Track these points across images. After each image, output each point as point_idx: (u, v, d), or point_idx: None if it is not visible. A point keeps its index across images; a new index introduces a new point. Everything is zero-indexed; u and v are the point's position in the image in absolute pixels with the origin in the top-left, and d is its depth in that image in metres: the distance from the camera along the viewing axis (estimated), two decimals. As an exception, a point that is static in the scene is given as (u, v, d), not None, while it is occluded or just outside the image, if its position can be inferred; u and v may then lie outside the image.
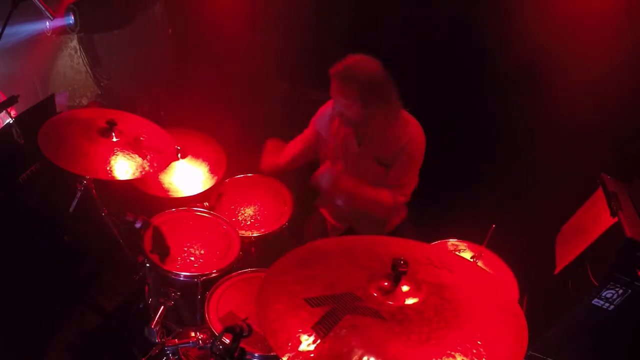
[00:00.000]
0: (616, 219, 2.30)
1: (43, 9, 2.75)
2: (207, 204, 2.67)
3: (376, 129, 2.45)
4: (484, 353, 1.22)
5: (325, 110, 2.71)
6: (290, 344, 1.24)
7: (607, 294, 2.28)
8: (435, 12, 3.15)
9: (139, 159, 2.34)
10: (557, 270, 2.61)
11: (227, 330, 1.51)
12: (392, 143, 2.47)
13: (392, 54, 2.40)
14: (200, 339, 2.16)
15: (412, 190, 2.54)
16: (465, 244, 2.47)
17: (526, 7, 2.89)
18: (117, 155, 2.33)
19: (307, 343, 1.23)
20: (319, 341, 1.23)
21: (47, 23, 3.81)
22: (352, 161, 2.59)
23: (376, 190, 2.47)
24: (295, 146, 2.77)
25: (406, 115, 2.50)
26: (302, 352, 1.22)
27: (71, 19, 3.73)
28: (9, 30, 2.57)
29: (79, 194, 2.49)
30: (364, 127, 2.47)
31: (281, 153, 2.74)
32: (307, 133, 2.80)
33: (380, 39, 2.40)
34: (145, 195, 2.66)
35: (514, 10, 2.91)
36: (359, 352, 1.20)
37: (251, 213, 2.72)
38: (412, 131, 2.47)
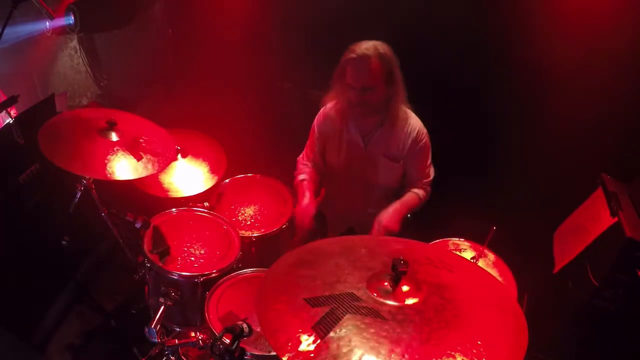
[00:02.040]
0: (616, 219, 2.31)
1: (43, 9, 2.74)
2: (207, 204, 2.67)
3: (391, 118, 2.48)
4: (484, 353, 1.22)
5: (324, 116, 2.67)
6: (290, 344, 1.24)
7: (607, 294, 2.28)
8: (438, 13, 3.15)
9: (135, 161, 2.35)
10: (556, 269, 2.61)
11: (227, 330, 1.51)
12: (400, 138, 2.51)
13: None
14: (200, 339, 2.16)
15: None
16: (467, 243, 2.47)
17: (528, 7, 2.89)
18: (117, 155, 2.34)
19: (307, 343, 1.23)
20: (319, 341, 1.23)
21: (47, 23, 3.81)
22: (361, 163, 2.59)
23: (410, 197, 2.56)
24: (310, 174, 2.70)
25: (407, 110, 2.54)
26: (302, 352, 1.21)
27: (71, 19, 3.73)
28: (9, 30, 2.57)
29: (79, 194, 2.48)
30: (381, 115, 2.48)
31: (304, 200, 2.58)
32: (311, 152, 2.75)
33: (382, 39, 2.41)
34: (145, 195, 2.66)
35: (514, 10, 2.91)
36: (359, 352, 1.20)
37: (251, 213, 2.72)
38: (416, 123, 2.54)
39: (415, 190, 2.61)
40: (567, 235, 2.73)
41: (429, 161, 2.63)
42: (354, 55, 2.32)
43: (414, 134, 2.51)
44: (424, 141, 2.54)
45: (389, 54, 2.36)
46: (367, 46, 2.33)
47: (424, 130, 2.55)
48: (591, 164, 2.83)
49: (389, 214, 2.43)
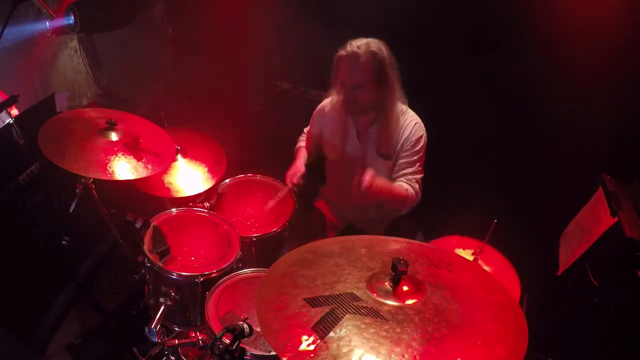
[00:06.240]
0: (616, 219, 2.30)
1: (43, 9, 2.75)
2: (208, 204, 2.67)
3: (385, 115, 2.46)
4: (484, 353, 1.22)
5: (323, 109, 2.72)
6: (290, 344, 1.24)
7: (607, 294, 2.28)
8: (437, 13, 3.15)
9: (135, 161, 2.36)
10: (560, 271, 2.61)
11: (227, 330, 1.51)
12: (393, 134, 2.48)
13: (393, 53, 2.41)
14: (200, 339, 2.17)
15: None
16: (467, 241, 2.46)
17: (527, 7, 2.88)
18: (117, 155, 2.34)
19: (307, 343, 1.23)
20: (319, 341, 1.23)
21: (47, 23, 3.82)
22: (353, 157, 2.59)
23: (400, 186, 2.44)
24: (304, 152, 2.81)
25: (403, 106, 2.52)
26: (302, 352, 1.22)
27: (71, 19, 3.74)
28: (9, 30, 2.57)
29: (79, 194, 2.49)
30: (375, 112, 2.47)
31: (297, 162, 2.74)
32: (308, 135, 2.84)
33: (382, 37, 2.42)
34: (145, 195, 2.67)
35: (513, 9, 2.91)
36: (359, 352, 1.20)
37: (251, 213, 2.72)
38: (411, 121, 2.50)
39: (403, 183, 2.47)
40: (571, 237, 2.73)
41: (421, 161, 2.52)
42: (344, 53, 2.33)
43: (407, 131, 2.47)
44: (417, 137, 2.47)
45: (383, 52, 2.32)
46: (359, 44, 2.31)
47: (421, 128, 2.50)
48: (591, 164, 2.83)
49: (381, 182, 2.29)
